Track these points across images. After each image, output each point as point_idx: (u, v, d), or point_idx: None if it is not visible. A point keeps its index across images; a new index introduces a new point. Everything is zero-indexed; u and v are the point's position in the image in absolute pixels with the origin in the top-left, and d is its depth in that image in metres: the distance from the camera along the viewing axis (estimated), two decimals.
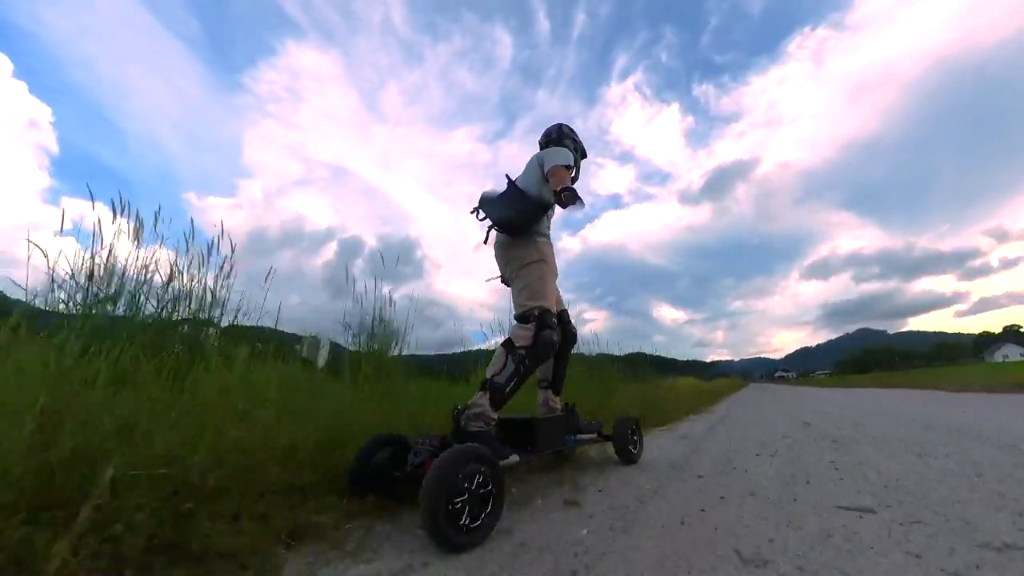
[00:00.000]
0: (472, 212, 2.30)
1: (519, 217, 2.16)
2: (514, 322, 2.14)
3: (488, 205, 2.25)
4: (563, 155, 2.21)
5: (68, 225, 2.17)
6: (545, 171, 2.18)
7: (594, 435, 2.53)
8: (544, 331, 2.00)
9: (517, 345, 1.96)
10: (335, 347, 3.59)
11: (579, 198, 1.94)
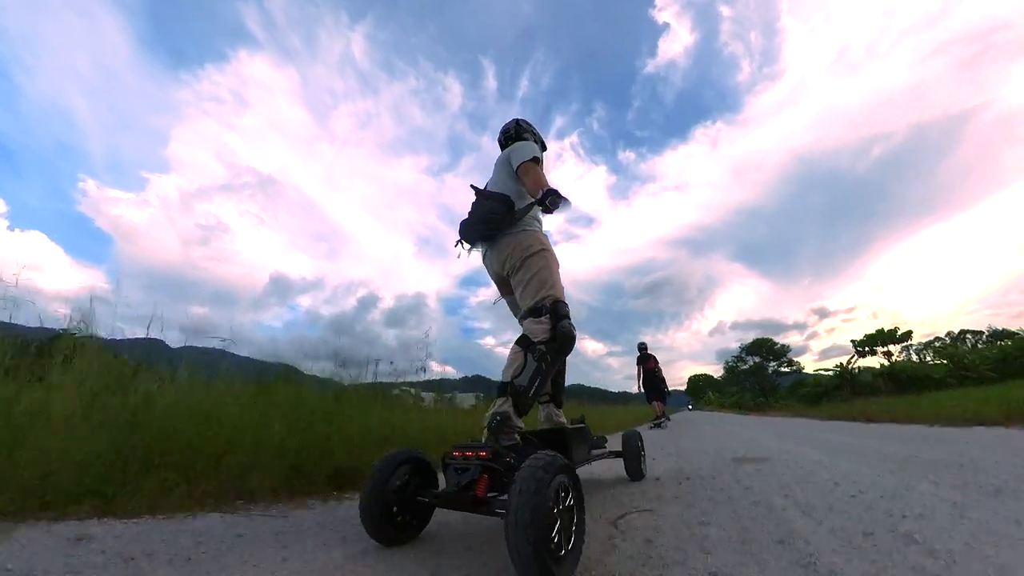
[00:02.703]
0: (456, 245, 2.08)
1: (490, 212, 1.94)
2: (527, 319, 1.86)
3: (465, 224, 2.04)
4: (529, 148, 2.04)
5: None
6: (515, 169, 2.01)
7: (605, 451, 2.33)
8: (562, 322, 1.78)
9: (535, 340, 1.74)
10: None
11: (563, 198, 1.79)
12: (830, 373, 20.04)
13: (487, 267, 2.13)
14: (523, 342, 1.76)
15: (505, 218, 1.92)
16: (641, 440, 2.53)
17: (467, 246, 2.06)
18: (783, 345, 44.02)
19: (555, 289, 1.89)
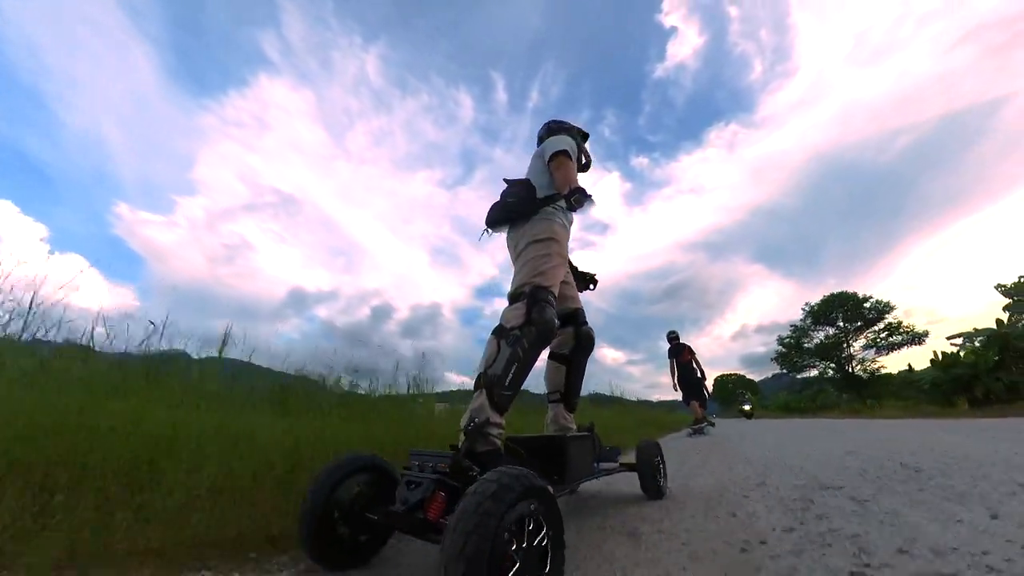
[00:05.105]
0: (482, 236, 2.08)
1: (513, 196, 1.96)
2: (507, 306, 1.78)
3: (490, 208, 2.05)
4: (562, 141, 2.03)
5: None
6: (546, 160, 1.99)
7: (616, 464, 2.10)
8: (537, 306, 1.66)
9: (508, 327, 1.63)
10: None
11: (588, 197, 1.78)
12: (977, 341, 11.26)
13: (509, 251, 2.09)
14: (497, 330, 1.65)
15: (526, 202, 1.91)
16: (660, 452, 2.25)
17: (489, 230, 2.05)
18: (879, 301, 25.44)
19: (543, 278, 1.78)
